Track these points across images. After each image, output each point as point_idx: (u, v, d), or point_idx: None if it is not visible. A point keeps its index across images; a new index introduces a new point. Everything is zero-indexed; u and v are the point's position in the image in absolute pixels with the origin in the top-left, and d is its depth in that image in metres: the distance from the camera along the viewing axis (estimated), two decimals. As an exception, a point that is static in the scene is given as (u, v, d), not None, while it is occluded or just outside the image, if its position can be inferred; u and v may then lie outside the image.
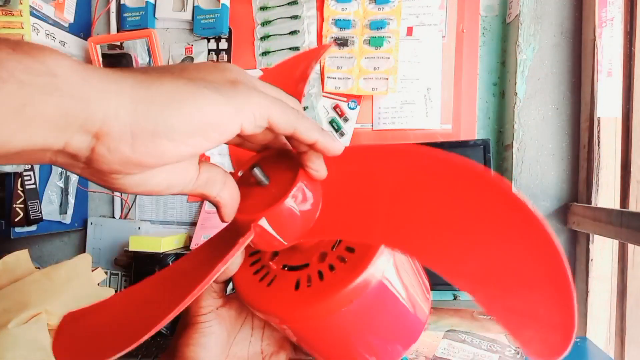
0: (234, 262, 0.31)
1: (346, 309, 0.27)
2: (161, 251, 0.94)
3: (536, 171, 0.92)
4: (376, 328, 0.30)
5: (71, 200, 1.06)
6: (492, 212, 0.23)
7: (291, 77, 0.40)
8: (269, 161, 0.30)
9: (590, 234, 0.84)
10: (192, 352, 0.31)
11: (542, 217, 0.22)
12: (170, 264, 0.80)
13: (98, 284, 0.91)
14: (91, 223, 1.11)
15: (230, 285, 0.33)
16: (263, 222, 0.26)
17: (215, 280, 0.32)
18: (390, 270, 0.28)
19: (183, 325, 0.33)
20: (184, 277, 0.29)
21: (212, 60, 0.26)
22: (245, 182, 0.29)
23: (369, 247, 0.28)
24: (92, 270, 0.90)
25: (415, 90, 1.00)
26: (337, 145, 0.27)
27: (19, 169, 0.86)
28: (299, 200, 0.27)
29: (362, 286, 0.27)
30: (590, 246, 0.84)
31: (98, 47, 1.05)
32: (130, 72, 0.21)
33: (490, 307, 0.22)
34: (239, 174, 0.30)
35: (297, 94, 0.37)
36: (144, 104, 0.20)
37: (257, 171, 0.28)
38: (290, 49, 1.04)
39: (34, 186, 0.93)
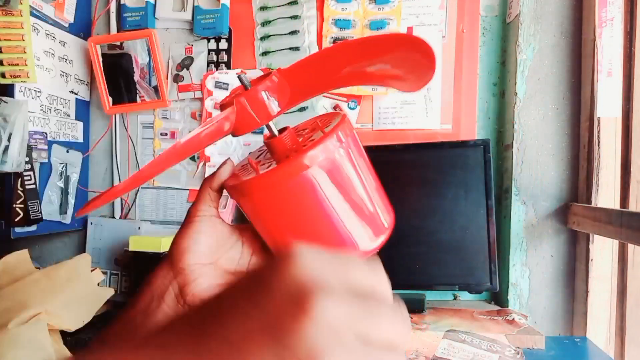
0: (225, 168, 0.41)
1: (308, 169, 0.35)
2: (161, 251, 0.94)
3: (536, 171, 0.92)
4: (339, 200, 0.37)
5: (71, 200, 1.06)
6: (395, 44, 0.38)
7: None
8: (257, 80, 0.40)
9: (590, 234, 0.84)
10: (185, 243, 0.39)
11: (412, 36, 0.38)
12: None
13: (98, 284, 0.91)
14: (91, 223, 1.11)
15: (229, 217, 0.37)
16: (243, 100, 0.37)
17: (211, 187, 0.40)
18: (342, 157, 0.37)
19: (182, 225, 0.40)
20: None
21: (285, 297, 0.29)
22: (236, 93, 0.40)
23: (324, 137, 0.37)
24: (92, 271, 0.90)
25: (415, 90, 1.00)
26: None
27: (19, 169, 0.86)
28: (267, 90, 0.38)
29: (320, 153, 0.35)
30: (590, 246, 0.84)
31: (98, 47, 1.05)
32: None
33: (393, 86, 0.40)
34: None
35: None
36: None
37: (242, 77, 0.38)
38: (290, 49, 1.04)
39: (34, 186, 0.93)
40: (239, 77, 0.38)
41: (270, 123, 0.39)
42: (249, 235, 0.43)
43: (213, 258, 0.40)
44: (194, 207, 0.40)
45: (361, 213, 0.38)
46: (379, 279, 0.23)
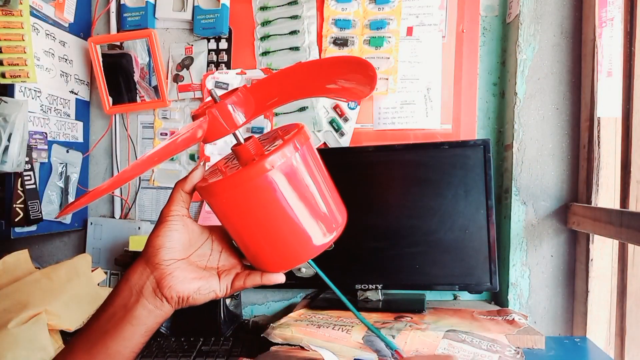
0: (196, 173, 0.44)
1: (268, 172, 0.40)
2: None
3: (536, 171, 0.92)
4: (301, 198, 0.42)
5: (71, 200, 1.06)
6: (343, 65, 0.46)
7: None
8: (225, 95, 0.46)
9: (590, 234, 0.84)
10: (159, 240, 0.42)
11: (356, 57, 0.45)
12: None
13: (98, 284, 0.91)
14: (91, 223, 1.11)
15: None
16: (214, 111, 0.42)
17: (183, 189, 0.44)
18: (302, 157, 0.42)
19: (155, 225, 0.44)
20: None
21: None
22: (206, 107, 0.45)
23: (284, 143, 0.41)
24: (92, 271, 0.90)
25: (415, 90, 1.00)
26: None
27: (19, 169, 0.86)
28: (236, 102, 0.44)
29: (279, 157, 0.40)
30: (590, 246, 0.84)
31: (98, 47, 1.05)
32: None
33: (341, 97, 0.48)
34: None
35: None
36: None
37: (212, 92, 0.43)
38: (290, 49, 1.04)
39: (34, 186, 0.93)
40: (210, 92, 0.44)
41: (237, 131, 0.44)
42: (218, 234, 0.47)
43: (186, 254, 0.44)
44: (166, 208, 0.44)
45: (316, 211, 0.43)
46: None
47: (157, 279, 0.42)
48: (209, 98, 0.47)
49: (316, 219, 0.43)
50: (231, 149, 0.46)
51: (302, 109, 1.03)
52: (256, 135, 0.46)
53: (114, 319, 0.41)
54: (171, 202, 0.44)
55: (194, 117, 0.44)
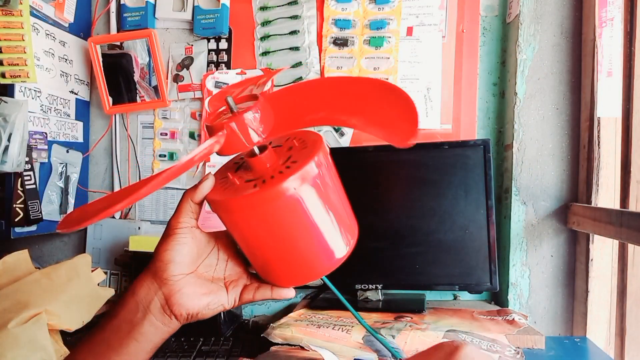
0: (207, 183, 0.42)
1: (291, 193, 0.38)
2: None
3: (536, 171, 0.92)
4: (319, 221, 0.40)
5: (71, 200, 1.06)
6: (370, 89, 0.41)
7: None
8: (239, 99, 0.43)
9: (590, 234, 0.84)
10: (168, 255, 0.41)
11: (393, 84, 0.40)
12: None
13: (98, 284, 0.90)
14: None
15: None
16: (233, 125, 0.39)
17: (193, 200, 0.42)
18: (322, 177, 0.40)
19: (163, 237, 0.42)
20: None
21: None
22: (219, 112, 0.43)
23: (306, 158, 0.39)
24: (92, 271, 0.90)
25: (415, 90, 1.00)
26: None
27: (19, 169, 0.86)
28: (256, 114, 0.40)
29: (303, 177, 0.38)
30: (590, 246, 0.84)
31: (98, 47, 1.05)
32: None
33: (375, 133, 0.39)
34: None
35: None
36: None
37: (230, 101, 0.40)
38: (290, 49, 1.04)
39: (34, 186, 0.93)
40: (227, 100, 0.40)
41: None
42: (223, 242, 0.46)
43: (194, 267, 0.43)
44: (175, 219, 0.42)
45: (333, 229, 0.42)
46: None
47: (166, 296, 0.40)
48: (223, 107, 0.44)
49: (333, 236, 0.42)
50: (244, 159, 0.43)
51: (302, 109, 1.03)
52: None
53: (119, 334, 0.40)
54: (180, 213, 0.42)
55: (210, 130, 0.41)
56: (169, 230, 0.42)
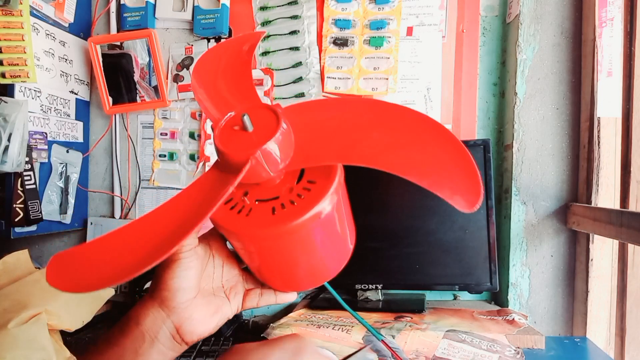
0: None
1: (315, 222, 0.35)
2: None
3: (536, 171, 0.92)
4: (331, 243, 0.39)
5: (71, 200, 1.06)
6: (424, 134, 0.34)
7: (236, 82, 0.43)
8: (252, 113, 0.38)
9: (590, 234, 0.84)
10: (176, 283, 0.38)
11: (449, 132, 0.34)
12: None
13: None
14: (91, 223, 1.11)
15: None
16: (258, 155, 0.34)
17: None
18: (338, 200, 0.37)
19: (166, 262, 0.38)
20: (181, 212, 0.34)
21: None
22: (229, 128, 0.37)
23: (326, 178, 0.36)
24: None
25: (415, 90, 1.00)
26: None
27: (19, 169, 0.86)
28: (281, 139, 0.35)
29: (326, 206, 0.35)
30: (590, 246, 0.84)
31: (98, 47, 1.05)
32: None
33: (433, 188, 0.32)
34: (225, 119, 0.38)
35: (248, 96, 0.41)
36: None
37: (245, 118, 0.35)
38: (290, 49, 1.04)
39: (34, 186, 0.93)
40: (243, 120, 0.35)
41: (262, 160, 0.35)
42: (216, 244, 0.43)
43: (199, 287, 0.40)
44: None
45: (340, 246, 0.41)
46: None
47: (177, 325, 0.39)
48: (231, 113, 0.37)
49: (343, 248, 0.42)
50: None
51: (302, 109, 1.03)
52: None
53: None
54: None
55: (223, 156, 0.35)
56: (173, 256, 0.38)
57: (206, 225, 0.38)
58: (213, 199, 0.32)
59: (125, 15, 1.07)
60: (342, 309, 0.49)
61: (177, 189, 1.08)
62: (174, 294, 0.38)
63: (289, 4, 1.03)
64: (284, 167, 0.36)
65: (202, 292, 0.41)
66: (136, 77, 1.07)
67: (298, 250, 0.38)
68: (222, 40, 1.07)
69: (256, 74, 1.05)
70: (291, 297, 0.45)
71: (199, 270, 0.40)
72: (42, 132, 0.96)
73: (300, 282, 0.43)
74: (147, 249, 0.31)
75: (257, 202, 0.37)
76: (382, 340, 0.53)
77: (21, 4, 0.86)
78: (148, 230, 0.34)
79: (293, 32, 1.03)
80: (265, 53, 1.05)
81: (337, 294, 0.47)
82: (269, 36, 1.05)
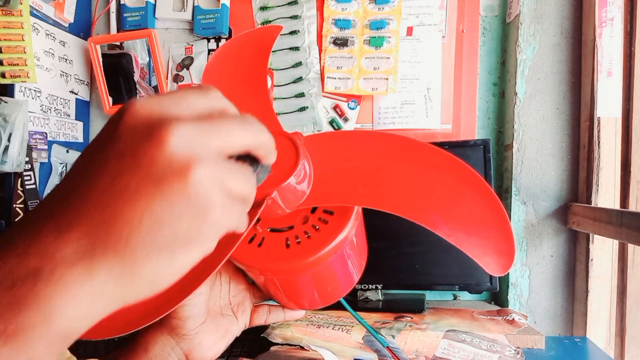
0: None
1: (331, 258, 0.33)
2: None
3: (536, 171, 0.92)
4: (346, 269, 0.38)
5: (71, 200, 1.05)
6: (453, 181, 0.32)
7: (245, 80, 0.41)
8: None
9: (590, 234, 0.84)
10: (187, 311, 0.37)
11: (485, 182, 0.32)
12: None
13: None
14: (91, 223, 1.11)
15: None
16: (275, 195, 0.31)
17: None
18: (357, 227, 0.35)
19: None
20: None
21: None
22: None
23: (344, 209, 0.34)
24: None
25: (415, 90, 1.00)
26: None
27: (19, 169, 0.86)
28: (300, 177, 0.32)
29: (343, 240, 0.33)
30: (590, 246, 0.84)
31: (98, 47, 1.05)
32: (100, 263, 0.19)
33: (462, 246, 0.31)
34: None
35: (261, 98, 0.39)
36: (130, 295, 0.20)
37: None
38: (290, 48, 1.04)
39: (34, 186, 0.93)
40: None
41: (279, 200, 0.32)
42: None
43: (207, 310, 0.39)
44: None
45: (361, 262, 0.40)
46: (219, 102, 0.23)
47: (186, 352, 0.38)
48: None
49: (353, 274, 0.40)
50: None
51: (302, 109, 1.03)
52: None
53: None
54: None
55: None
56: None
57: None
58: (230, 240, 0.29)
59: (125, 15, 1.07)
60: (342, 309, 0.49)
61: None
62: (184, 322, 0.37)
63: (289, 4, 1.03)
64: (302, 204, 0.33)
65: (211, 314, 0.39)
66: (136, 77, 1.07)
67: (309, 281, 0.37)
68: (222, 40, 1.07)
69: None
70: (299, 314, 0.44)
71: (208, 295, 0.39)
72: (42, 132, 0.96)
73: (309, 304, 0.42)
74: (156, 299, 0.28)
75: (269, 231, 0.35)
76: (387, 347, 0.53)
77: (21, 4, 0.86)
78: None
79: (293, 32, 1.03)
80: (265, 53, 1.05)
81: (350, 307, 0.45)
82: (269, 36, 1.05)
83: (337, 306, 0.87)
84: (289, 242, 0.34)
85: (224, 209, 0.21)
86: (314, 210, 0.35)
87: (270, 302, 0.44)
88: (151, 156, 0.19)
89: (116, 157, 0.20)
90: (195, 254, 0.21)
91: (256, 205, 0.30)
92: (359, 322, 0.47)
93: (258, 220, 0.34)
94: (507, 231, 0.29)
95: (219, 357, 0.75)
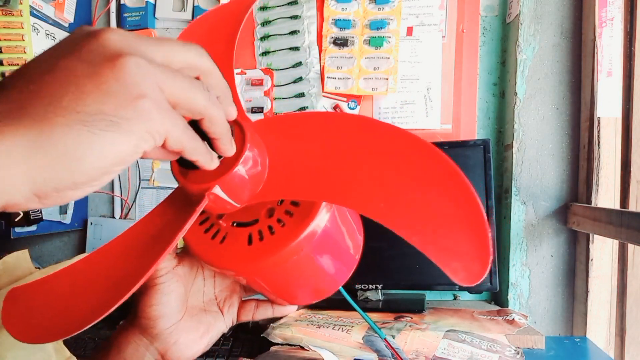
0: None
1: (297, 257, 0.30)
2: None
3: (536, 171, 0.92)
4: (320, 266, 0.34)
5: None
6: (418, 169, 0.26)
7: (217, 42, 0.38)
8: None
9: (590, 234, 0.84)
10: (155, 311, 0.35)
11: (460, 171, 0.26)
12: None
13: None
14: (91, 223, 1.11)
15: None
16: (217, 190, 0.28)
17: None
18: (331, 218, 0.32)
19: (142, 288, 0.35)
20: (140, 248, 0.30)
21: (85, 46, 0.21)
22: None
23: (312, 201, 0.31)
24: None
25: (415, 90, 1.00)
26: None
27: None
28: (248, 166, 0.28)
29: (310, 236, 0.30)
30: (590, 246, 0.84)
31: (98, 47, 1.05)
32: (15, 128, 0.19)
33: (425, 248, 0.25)
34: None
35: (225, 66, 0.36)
36: (42, 174, 0.20)
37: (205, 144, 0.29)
38: (290, 48, 1.04)
39: (34, 186, 0.92)
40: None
41: (223, 195, 0.29)
42: None
43: (184, 308, 0.37)
44: None
45: (343, 259, 0.37)
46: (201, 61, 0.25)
47: (161, 352, 0.36)
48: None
49: (340, 266, 0.37)
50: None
51: (302, 109, 1.03)
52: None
53: None
54: None
55: (184, 186, 0.29)
56: (149, 282, 0.35)
57: None
58: (173, 231, 0.27)
59: (125, 15, 1.07)
60: (342, 309, 0.48)
61: (174, 188, 1.08)
62: (154, 322, 0.35)
63: (289, 4, 1.03)
64: (255, 199, 0.30)
65: (190, 312, 0.38)
66: (136, 77, 1.07)
67: (287, 277, 0.34)
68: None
69: (256, 74, 1.05)
70: (290, 309, 0.41)
71: (182, 292, 0.36)
72: (42, 132, 0.96)
73: (295, 299, 0.39)
74: (102, 292, 0.27)
75: (233, 225, 0.32)
76: (384, 338, 0.51)
77: (21, 4, 0.86)
78: (104, 268, 0.29)
79: (293, 32, 1.03)
80: (265, 53, 1.05)
81: (349, 296, 0.42)
82: (269, 36, 1.05)
83: (337, 306, 0.87)
84: (251, 239, 0.31)
85: (156, 104, 0.21)
86: (281, 201, 0.32)
87: (260, 297, 0.42)
88: (89, 45, 0.21)
89: (61, 49, 0.22)
90: (120, 143, 0.21)
91: (196, 201, 0.28)
92: (357, 311, 0.43)
93: (221, 215, 0.33)
94: (481, 231, 0.24)
95: (219, 358, 0.76)
